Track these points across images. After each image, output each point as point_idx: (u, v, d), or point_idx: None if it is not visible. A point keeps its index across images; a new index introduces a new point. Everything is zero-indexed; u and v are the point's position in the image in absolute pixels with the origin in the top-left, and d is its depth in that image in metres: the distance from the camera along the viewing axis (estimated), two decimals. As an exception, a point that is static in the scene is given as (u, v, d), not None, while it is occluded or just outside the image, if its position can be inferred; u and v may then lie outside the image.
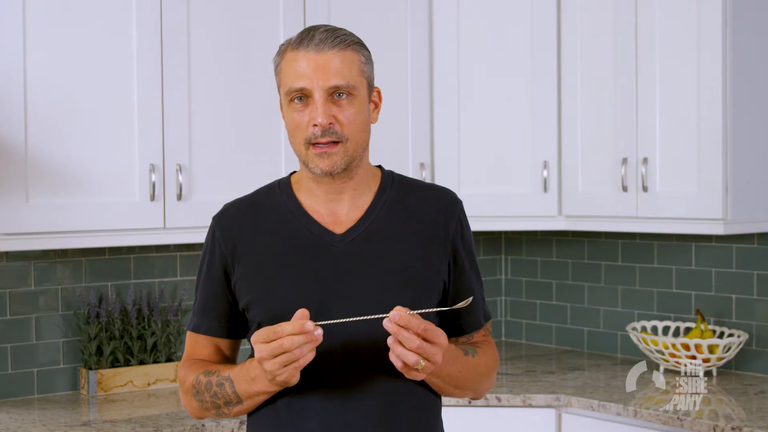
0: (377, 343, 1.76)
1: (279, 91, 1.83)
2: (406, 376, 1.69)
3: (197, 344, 1.93)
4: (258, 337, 1.67)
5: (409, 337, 1.63)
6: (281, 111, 1.85)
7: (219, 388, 1.81)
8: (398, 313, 1.63)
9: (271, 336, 1.65)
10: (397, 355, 1.65)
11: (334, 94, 1.77)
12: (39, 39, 2.82)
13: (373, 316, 1.69)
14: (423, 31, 3.50)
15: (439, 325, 1.91)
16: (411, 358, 1.64)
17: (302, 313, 1.65)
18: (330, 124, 1.76)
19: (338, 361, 1.76)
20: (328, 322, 1.69)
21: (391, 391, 1.81)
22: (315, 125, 1.75)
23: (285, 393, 1.80)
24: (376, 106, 1.86)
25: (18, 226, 2.78)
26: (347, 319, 1.70)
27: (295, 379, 1.70)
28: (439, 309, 1.77)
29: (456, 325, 1.93)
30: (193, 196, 3.06)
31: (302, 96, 1.77)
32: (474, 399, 1.99)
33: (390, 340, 1.65)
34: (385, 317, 1.65)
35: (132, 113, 2.96)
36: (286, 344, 1.63)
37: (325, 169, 1.78)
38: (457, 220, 1.90)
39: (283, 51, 1.81)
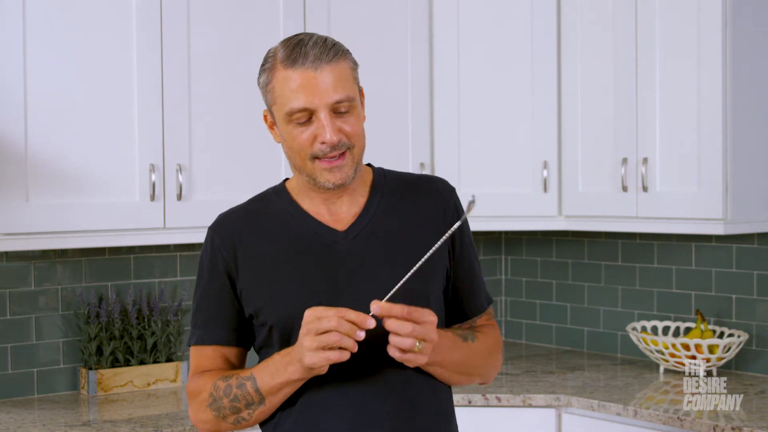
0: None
1: (271, 108, 1.81)
2: (407, 363, 1.70)
3: (204, 357, 1.90)
4: (315, 309, 1.67)
5: (398, 325, 1.65)
6: (268, 124, 1.84)
7: (239, 390, 1.79)
8: (377, 305, 1.65)
9: (331, 311, 1.65)
10: (393, 344, 1.67)
11: (336, 108, 1.76)
12: (39, 39, 2.82)
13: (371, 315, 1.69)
14: (423, 31, 3.50)
15: (445, 312, 1.92)
16: (406, 342, 1.66)
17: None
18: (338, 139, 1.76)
19: (357, 355, 1.74)
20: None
21: (410, 383, 1.82)
22: (323, 143, 1.75)
23: (304, 389, 1.79)
24: (362, 103, 1.86)
25: (18, 226, 2.78)
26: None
27: (324, 369, 1.69)
28: (432, 250, 1.70)
29: (460, 311, 1.95)
30: (193, 196, 3.06)
31: (304, 115, 1.76)
32: (483, 383, 2.00)
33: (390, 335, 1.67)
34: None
35: (132, 113, 2.96)
36: (345, 326, 1.63)
37: (337, 182, 1.79)
38: (453, 206, 1.92)
39: (272, 68, 1.78)
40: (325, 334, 1.64)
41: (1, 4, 2.77)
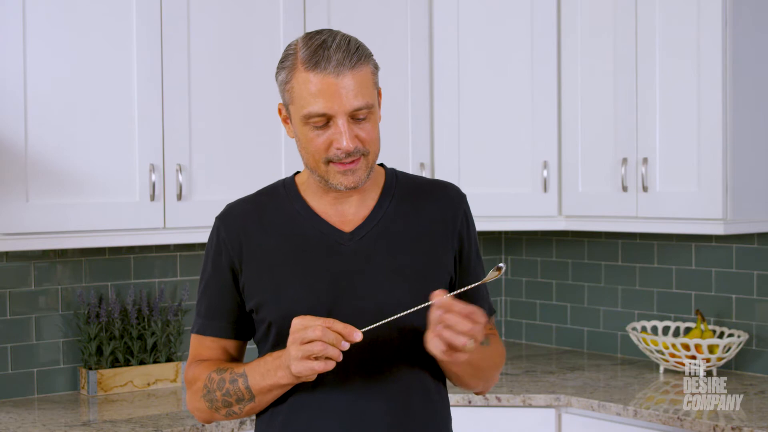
0: (392, 337, 1.78)
1: (288, 106, 1.79)
2: (447, 358, 1.67)
3: (203, 346, 1.91)
4: (303, 318, 1.67)
5: (459, 320, 1.63)
6: (282, 118, 1.83)
7: (232, 385, 1.80)
8: (440, 297, 1.64)
9: (318, 321, 1.65)
10: (446, 339, 1.64)
11: (355, 115, 1.75)
12: (39, 39, 2.82)
13: (413, 309, 1.69)
14: (423, 31, 3.50)
15: None
16: (461, 340, 1.64)
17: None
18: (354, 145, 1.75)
19: (353, 357, 1.74)
20: (373, 326, 1.69)
21: (406, 385, 1.82)
22: (338, 149, 1.74)
23: (299, 389, 1.80)
24: (379, 104, 1.86)
25: (18, 226, 2.78)
26: (389, 318, 1.70)
27: (311, 377, 1.69)
28: (473, 285, 1.75)
29: None
30: (193, 196, 3.06)
31: (322, 120, 1.75)
32: (480, 393, 1.99)
33: (437, 326, 1.64)
34: (425, 306, 1.66)
35: (132, 113, 2.96)
36: (330, 336, 1.63)
37: (350, 185, 1.77)
38: (463, 214, 1.91)
39: (292, 67, 1.75)
40: (310, 343, 1.64)
41: (1, 4, 2.77)
